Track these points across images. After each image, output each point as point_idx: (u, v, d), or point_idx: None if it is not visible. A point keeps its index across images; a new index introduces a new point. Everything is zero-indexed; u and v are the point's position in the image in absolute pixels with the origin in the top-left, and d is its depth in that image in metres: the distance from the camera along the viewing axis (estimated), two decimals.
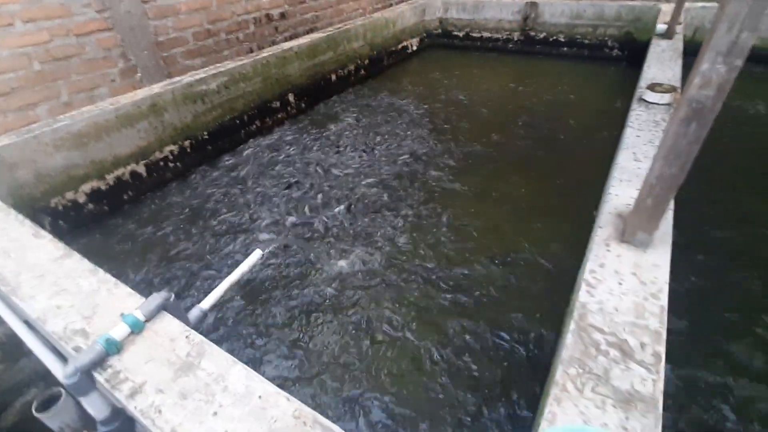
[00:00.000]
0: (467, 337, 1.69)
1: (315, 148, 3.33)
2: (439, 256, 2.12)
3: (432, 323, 1.76)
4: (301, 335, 1.77)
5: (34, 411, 1.43)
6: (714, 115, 1.02)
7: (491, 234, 2.28)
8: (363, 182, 2.82)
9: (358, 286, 1.99)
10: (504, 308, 1.81)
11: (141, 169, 2.84)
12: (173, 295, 1.15)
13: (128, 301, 1.18)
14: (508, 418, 1.41)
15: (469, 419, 1.41)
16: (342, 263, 2.13)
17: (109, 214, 2.69)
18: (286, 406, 0.88)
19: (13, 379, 2.10)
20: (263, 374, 1.02)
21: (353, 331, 1.76)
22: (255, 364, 1.68)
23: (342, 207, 2.57)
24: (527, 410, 1.43)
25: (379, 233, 2.33)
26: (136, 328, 1.06)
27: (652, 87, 2.22)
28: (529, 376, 1.52)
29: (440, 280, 1.98)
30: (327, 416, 0.87)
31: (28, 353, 2.16)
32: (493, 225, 2.34)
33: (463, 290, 1.91)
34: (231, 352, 1.16)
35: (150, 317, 1.10)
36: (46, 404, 1.49)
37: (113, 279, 1.25)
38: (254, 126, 3.59)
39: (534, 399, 1.44)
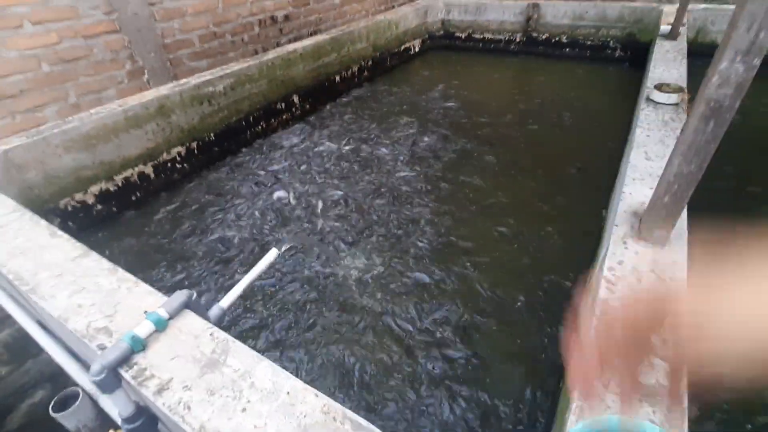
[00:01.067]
0: None
1: (320, 147, 3.35)
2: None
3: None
4: None
5: (51, 411, 1.43)
6: (732, 114, 1.03)
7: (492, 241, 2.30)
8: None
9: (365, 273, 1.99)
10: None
11: (149, 170, 2.85)
12: (195, 294, 1.16)
13: (148, 299, 1.19)
14: None
15: None
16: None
17: (118, 215, 2.69)
18: (314, 401, 0.89)
19: (19, 381, 2.10)
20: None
21: None
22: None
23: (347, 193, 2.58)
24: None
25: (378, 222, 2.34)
26: (160, 326, 1.06)
27: (660, 87, 2.24)
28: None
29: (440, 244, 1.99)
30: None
31: (35, 355, 2.17)
32: (493, 234, 2.35)
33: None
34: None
35: (173, 315, 1.10)
36: (63, 404, 1.50)
37: (133, 278, 1.26)
38: (260, 127, 3.61)
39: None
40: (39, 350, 1.64)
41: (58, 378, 1.92)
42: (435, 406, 1.49)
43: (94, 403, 1.45)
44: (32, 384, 2.09)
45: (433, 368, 1.60)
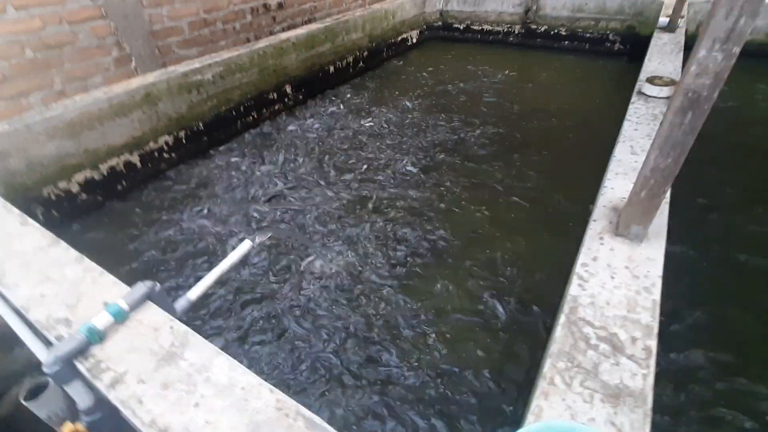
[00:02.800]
0: None
1: (313, 136, 3.31)
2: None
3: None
4: None
5: (21, 399, 1.42)
6: (710, 105, 0.99)
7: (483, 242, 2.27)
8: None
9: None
10: None
11: (135, 159, 2.82)
12: (158, 285, 1.14)
13: (113, 290, 1.17)
14: None
15: None
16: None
17: (103, 204, 2.66)
18: (268, 397, 0.87)
19: (8, 369, 2.09)
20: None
21: None
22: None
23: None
24: None
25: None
26: (120, 318, 1.04)
27: (652, 80, 2.19)
28: None
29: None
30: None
31: (23, 342, 2.16)
32: (481, 232, 2.32)
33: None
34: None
35: (134, 306, 1.08)
36: (35, 393, 1.49)
37: (99, 268, 1.24)
38: (250, 117, 3.56)
39: None
40: None
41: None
42: None
43: (65, 392, 1.44)
44: (21, 372, 2.09)
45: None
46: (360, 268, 2.00)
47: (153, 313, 1.08)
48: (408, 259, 2.06)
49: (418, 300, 1.82)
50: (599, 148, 2.82)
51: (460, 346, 1.61)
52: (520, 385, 1.46)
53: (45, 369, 0.94)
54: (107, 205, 2.66)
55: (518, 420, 1.34)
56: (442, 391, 1.46)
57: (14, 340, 2.12)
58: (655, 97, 2.13)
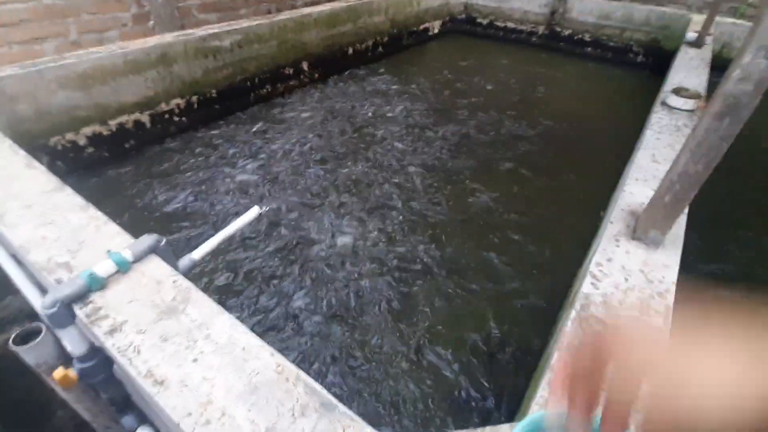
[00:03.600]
0: None
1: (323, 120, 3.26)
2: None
3: None
4: None
5: (11, 343, 1.40)
6: (749, 113, 0.96)
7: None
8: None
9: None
10: None
11: (145, 118, 2.78)
12: (165, 239, 1.11)
13: (117, 239, 1.14)
14: None
15: None
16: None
17: (110, 160, 2.63)
18: (268, 360, 0.85)
19: None
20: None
21: None
22: None
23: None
24: None
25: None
26: (123, 267, 1.02)
27: (677, 91, 2.15)
28: None
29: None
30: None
31: (15, 291, 2.14)
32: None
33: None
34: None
35: (138, 258, 1.05)
36: (25, 338, 1.47)
37: (104, 216, 1.21)
38: (265, 90, 3.51)
39: None
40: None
41: (38, 316, 1.90)
42: None
43: (57, 341, 1.42)
44: (11, 320, 2.07)
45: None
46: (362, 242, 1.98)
47: (157, 266, 1.06)
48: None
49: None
50: (613, 156, 2.80)
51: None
52: None
53: (42, 310, 0.92)
54: (113, 162, 2.62)
55: (518, 407, 1.33)
56: None
57: (6, 288, 2.11)
58: (679, 109, 2.09)
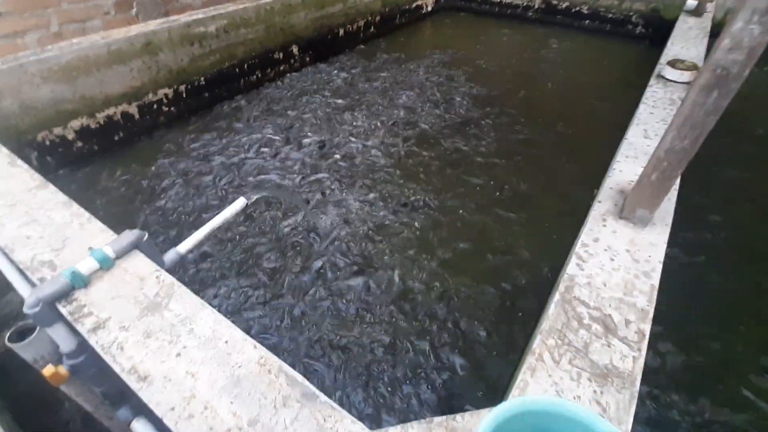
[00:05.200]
0: None
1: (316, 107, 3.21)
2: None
3: None
4: None
5: (6, 341, 1.42)
6: (738, 84, 0.93)
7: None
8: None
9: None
10: None
11: (133, 110, 2.74)
12: (147, 234, 1.11)
13: (100, 236, 1.14)
14: None
15: None
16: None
17: (99, 153, 2.61)
18: (251, 353, 0.85)
19: (1, 312, 2.10)
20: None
21: None
22: None
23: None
24: None
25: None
26: (105, 264, 1.02)
27: (673, 63, 2.09)
28: None
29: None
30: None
31: (15, 288, 2.16)
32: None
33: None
34: None
35: (121, 255, 1.05)
36: (22, 335, 1.49)
37: (87, 213, 1.20)
38: (254, 76, 3.45)
39: None
40: None
41: None
42: None
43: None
44: (13, 315, 2.09)
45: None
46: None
47: (139, 262, 1.05)
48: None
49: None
50: (609, 131, 2.75)
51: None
52: None
53: (26, 310, 0.93)
54: (103, 155, 2.60)
55: (502, 392, 1.34)
56: None
57: (6, 284, 2.12)
58: (674, 81, 2.04)
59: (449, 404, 1.35)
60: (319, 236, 2.01)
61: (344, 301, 1.69)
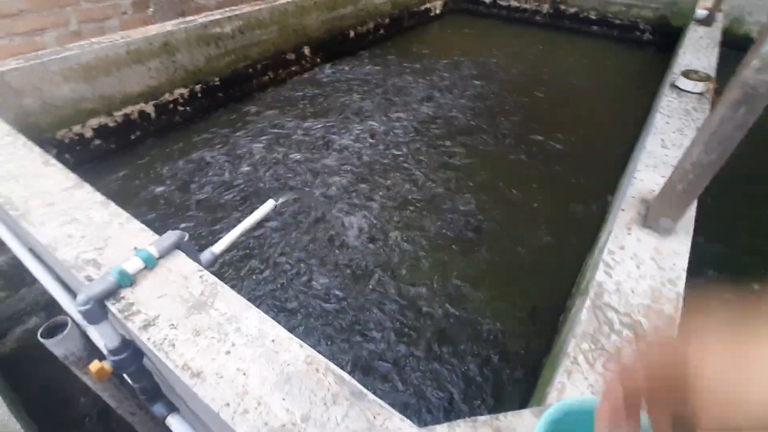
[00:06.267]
0: None
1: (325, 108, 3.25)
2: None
3: None
4: None
5: (39, 336, 1.45)
6: (765, 102, 0.97)
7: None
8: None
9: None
10: None
11: (150, 109, 2.77)
12: (187, 235, 1.14)
13: (140, 236, 1.17)
14: None
15: None
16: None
17: (116, 152, 2.64)
18: (298, 351, 0.89)
19: (14, 308, 2.13)
20: None
21: None
22: None
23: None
24: None
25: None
26: (150, 264, 1.05)
27: (687, 74, 2.14)
28: None
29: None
30: None
31: (30, 283, 2.18)
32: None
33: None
34: None
35: (163, 254, 1.08)
36: (52, 331, 1.52)
37: (125, 213, 1.23)
38: (267, 77, 3.48)
39: None
40: (34, 279, 1.65)
41: (52, 307, 1.95)
42: None
43: (83, 333, 1.47)
44: (27, 311, 2.12)
45: None
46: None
47: (182, 261, 1.09)
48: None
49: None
50: (619, 136, 2.80)
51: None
52: None
53: (77, 307, 0.95)
54: (120, 153, 2.63)
55: (530, 390, 1.38)
56: None
57: (21, 280, 2.15)
58: (688, 92, 2.08)
59: None
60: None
61: None
